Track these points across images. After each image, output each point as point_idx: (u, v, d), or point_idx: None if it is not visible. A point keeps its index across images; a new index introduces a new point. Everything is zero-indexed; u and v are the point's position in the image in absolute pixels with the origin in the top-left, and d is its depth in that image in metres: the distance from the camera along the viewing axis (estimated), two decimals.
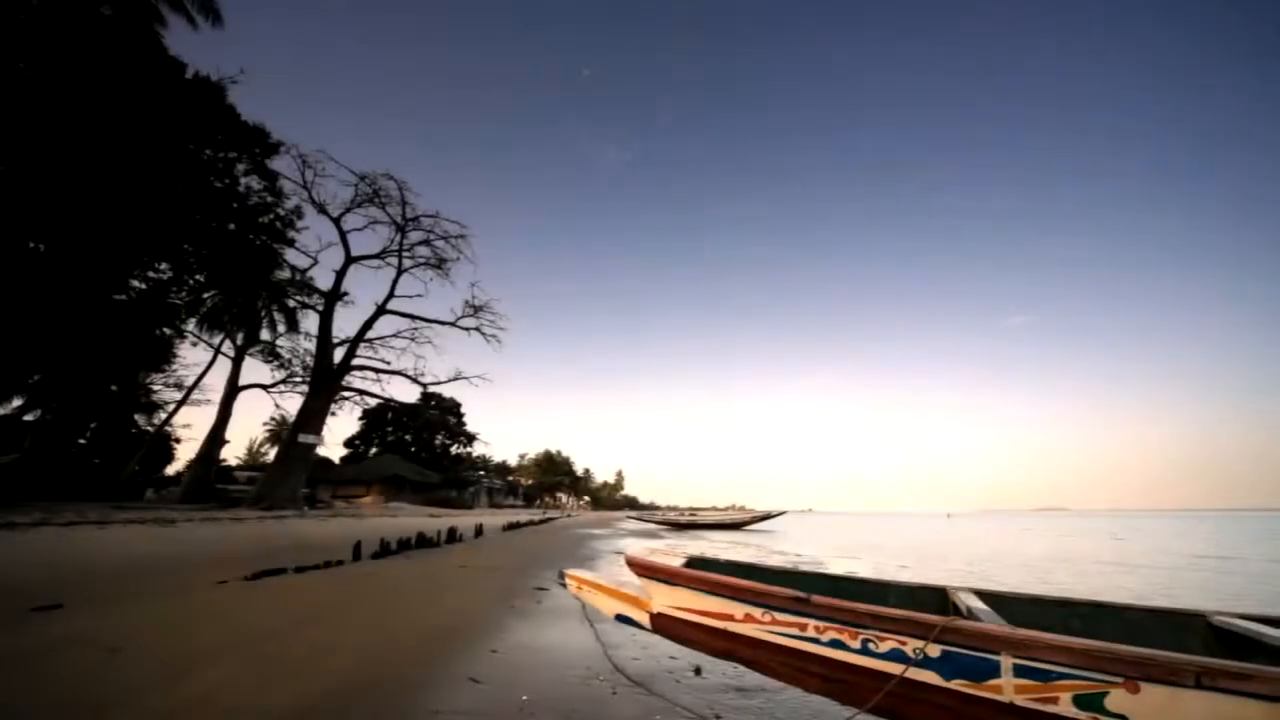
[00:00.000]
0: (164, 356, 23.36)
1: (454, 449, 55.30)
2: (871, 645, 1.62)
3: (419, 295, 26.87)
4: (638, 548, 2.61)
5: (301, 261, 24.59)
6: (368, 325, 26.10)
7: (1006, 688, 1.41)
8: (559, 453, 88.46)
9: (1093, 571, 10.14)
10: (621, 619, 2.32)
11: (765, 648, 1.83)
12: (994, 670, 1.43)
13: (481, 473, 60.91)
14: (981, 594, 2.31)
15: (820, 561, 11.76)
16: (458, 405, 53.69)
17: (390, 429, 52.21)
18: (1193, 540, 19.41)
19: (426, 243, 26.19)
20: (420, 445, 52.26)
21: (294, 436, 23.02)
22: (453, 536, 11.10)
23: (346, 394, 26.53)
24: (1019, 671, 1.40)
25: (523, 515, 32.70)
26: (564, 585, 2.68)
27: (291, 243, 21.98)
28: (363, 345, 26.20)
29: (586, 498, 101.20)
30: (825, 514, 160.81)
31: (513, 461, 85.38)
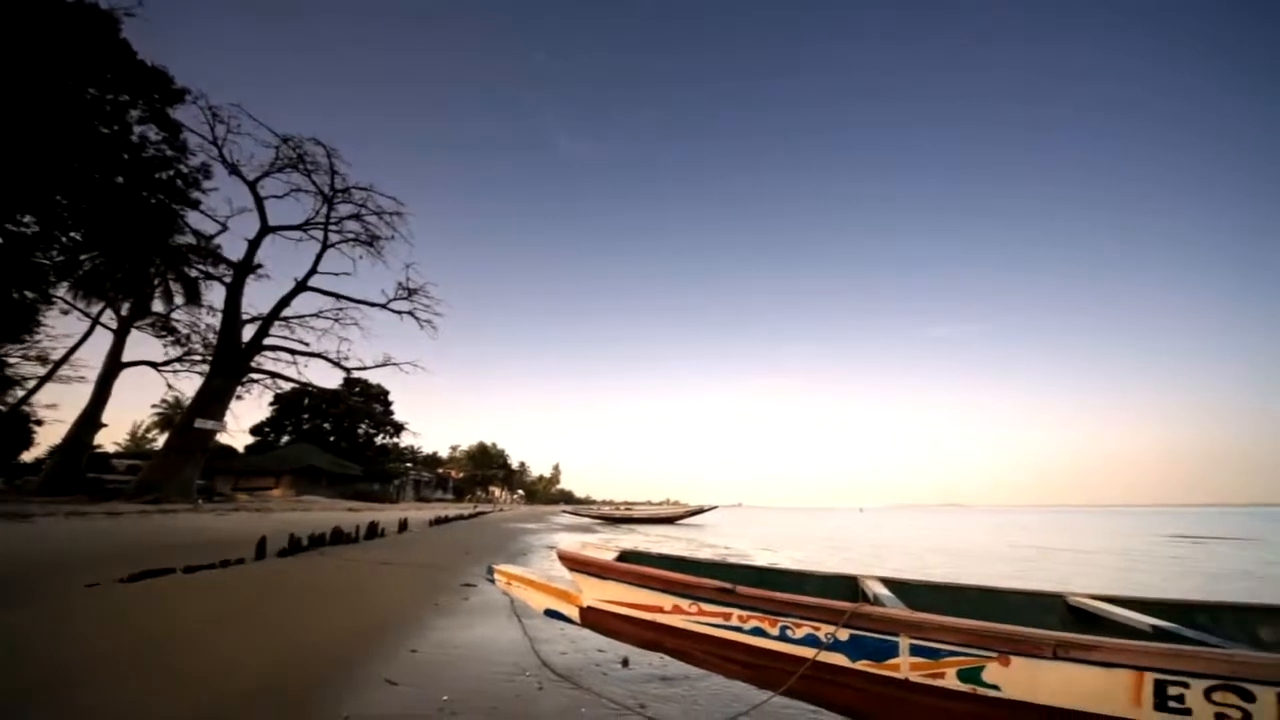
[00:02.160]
0: (24, 325, 20.02)
1: (379, 439, 51.93)
2: (789, 631, 1.70)
3: (346, 274, 24.96)
4: (571, 542, 2.60)
5: (208, 227, 22.03)
6: (285, 302, 23.90)
7: (904, 666, 1.54)
8: (494, 445, 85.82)
9: (967, 561, 11.51)
10: (551, 614, 2.31)
11: (691, 637, 1.88)
12: (893, 650, 1.56)
13: (409, 465, 57.78)
14: (887, 581, 2.52)
15: (746, 553, 12.32)
16: (385, 393, 50.53)
17: (307, 416, 48.13)
18: (1066, 535, 22.23)
19: (357, 217, 24.38)
20: (341, 434, 48.62)
21: (189, 421, 20.69)
22: (373, 532, 10.47)
23: (256, 376, 24.16)
24: (915, 651, 1.53)
25: (452, 510, 31.43)
26: (492, 581, 2.61)
27: (195, 204, 19.60)
28: (278, 323, 23.96)
29: (521, 491, 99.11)
30: (754, 509, 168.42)
31: (444, 453, 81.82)
